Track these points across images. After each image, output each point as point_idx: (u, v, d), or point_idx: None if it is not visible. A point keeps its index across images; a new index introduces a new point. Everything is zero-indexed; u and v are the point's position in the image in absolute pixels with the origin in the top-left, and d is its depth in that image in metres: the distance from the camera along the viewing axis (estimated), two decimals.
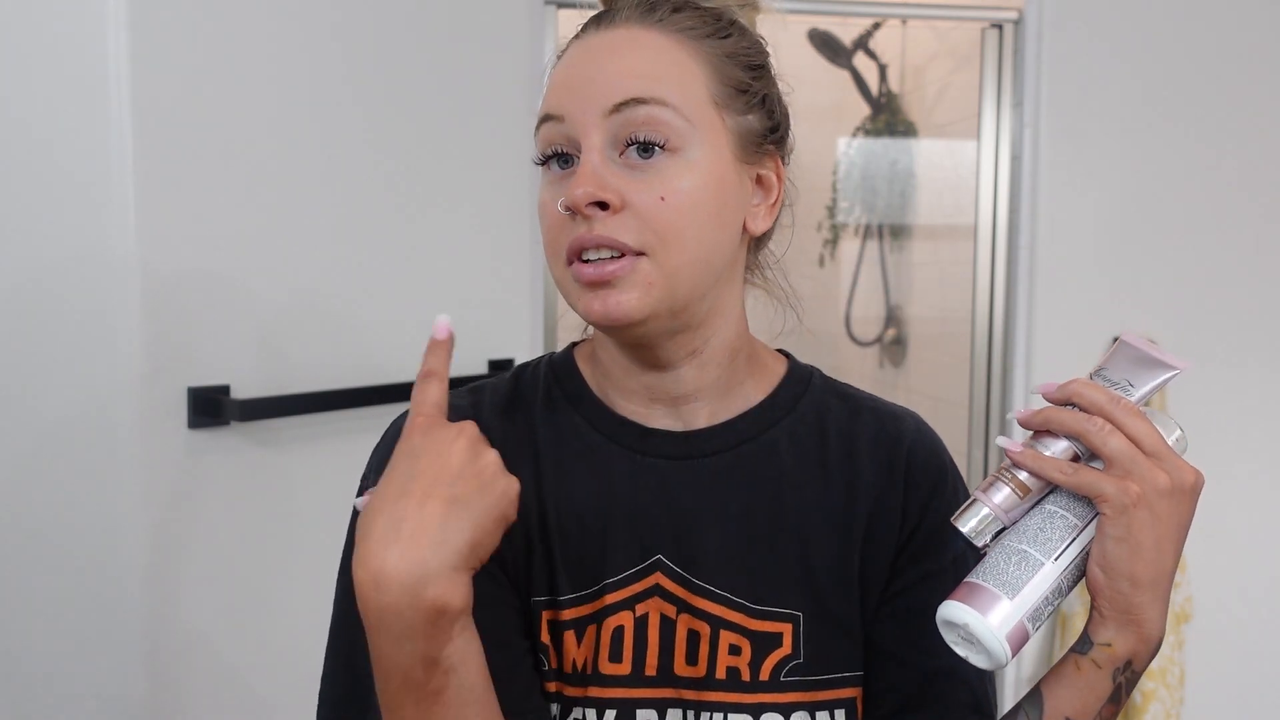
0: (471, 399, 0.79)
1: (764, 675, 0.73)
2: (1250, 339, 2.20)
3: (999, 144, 2.19)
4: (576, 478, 0.76)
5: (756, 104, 0.74)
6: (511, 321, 1.79)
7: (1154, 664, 2.04)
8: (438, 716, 0.63)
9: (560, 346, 0.84)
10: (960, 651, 0.67)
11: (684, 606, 0.74)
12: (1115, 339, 0.73)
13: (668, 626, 0.74)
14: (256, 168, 1.44)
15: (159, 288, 1.33)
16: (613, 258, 0.68)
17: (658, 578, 0.74)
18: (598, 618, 0.74)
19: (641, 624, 0.74)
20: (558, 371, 0.80)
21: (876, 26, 3.02)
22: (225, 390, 1.40)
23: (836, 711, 0.74)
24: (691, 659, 0.74)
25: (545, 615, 0.74)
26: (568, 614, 0.74)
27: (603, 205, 0.68)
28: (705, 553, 0.74)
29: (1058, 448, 0.67)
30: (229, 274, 1.41)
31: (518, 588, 0.74)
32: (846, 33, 3.03)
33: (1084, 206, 2.14)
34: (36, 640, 1.32)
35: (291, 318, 1.49)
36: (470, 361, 1.70)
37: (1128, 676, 0.67)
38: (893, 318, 3.21)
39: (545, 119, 0.72)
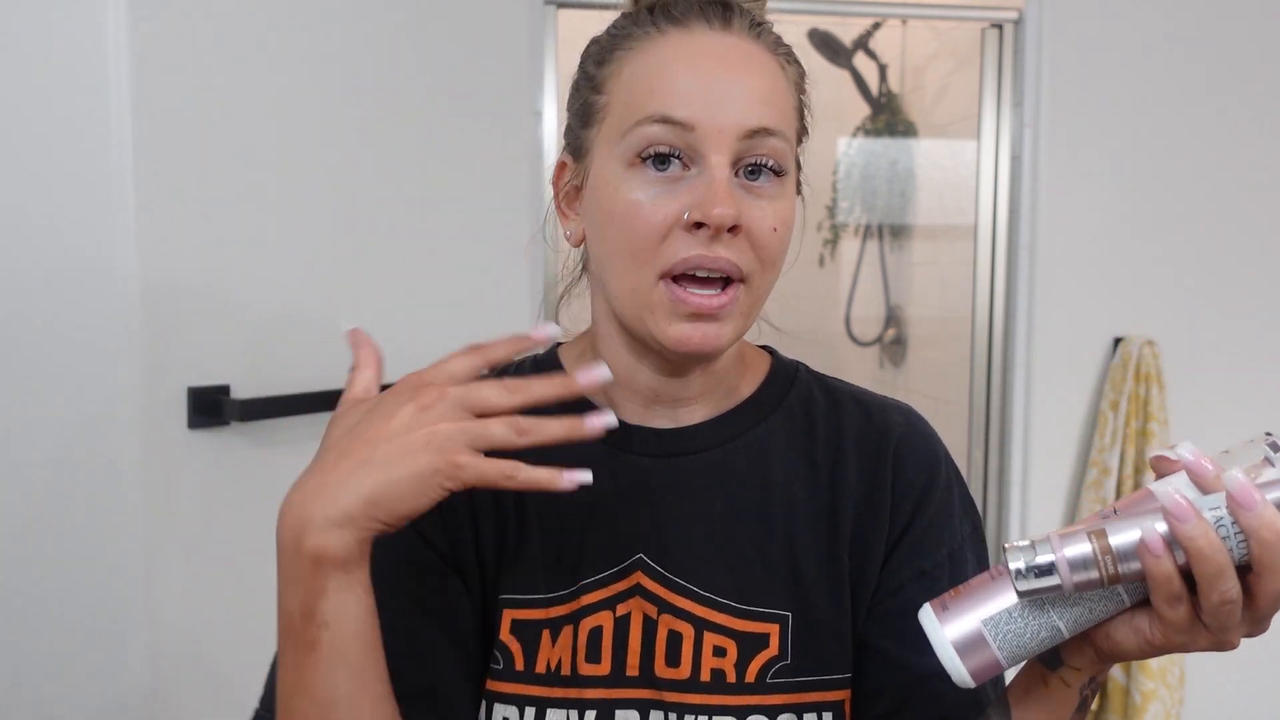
0: None
1: (750, 677, 0.72)
2: (1250, 338, 2.20)
3: (999, 144, 2.19)
4: None
5: (805, 134, 0.76)
6: (511, 321, 1.79)
7: (1154, 664, 2.04)
8: (309, 669, 0.62)
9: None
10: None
11: (665, 607, 0.73)
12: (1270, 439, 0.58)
13: (649, 627, 0.72)
14: (256, 168, 1.44)
15: (159, 288, 1.33)
16: (722, 288, 0.68)
17: (638, 577, 0.73)
18: (575, 618, 0.73)
19: (622, 624, 0.73)
20: (541, 370, 0.79)
21: (876, 26, 3.02)
22: (225, 390, 1.40)
23: (824, 714, 0.72)
24: (673, 660, 0.72)
25: (511, 614, 0.73)
26: (542, 613, 0.73)
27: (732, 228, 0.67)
28: (689, 552, 0.73)
29: (1149, 524, 0.53)
30: (228, 275, 1.41)
31: (472, 586, 0.73)
32: (846, 33, 3.03)
33: (1084, 206, 2.14)
34: (37, 640, 1.32)
35: (291, 318, 1.49)
36: None
37: (1093, 689, 0.66)
38: (893, 318, 3.21)
39: (664, 120, 0.67)
